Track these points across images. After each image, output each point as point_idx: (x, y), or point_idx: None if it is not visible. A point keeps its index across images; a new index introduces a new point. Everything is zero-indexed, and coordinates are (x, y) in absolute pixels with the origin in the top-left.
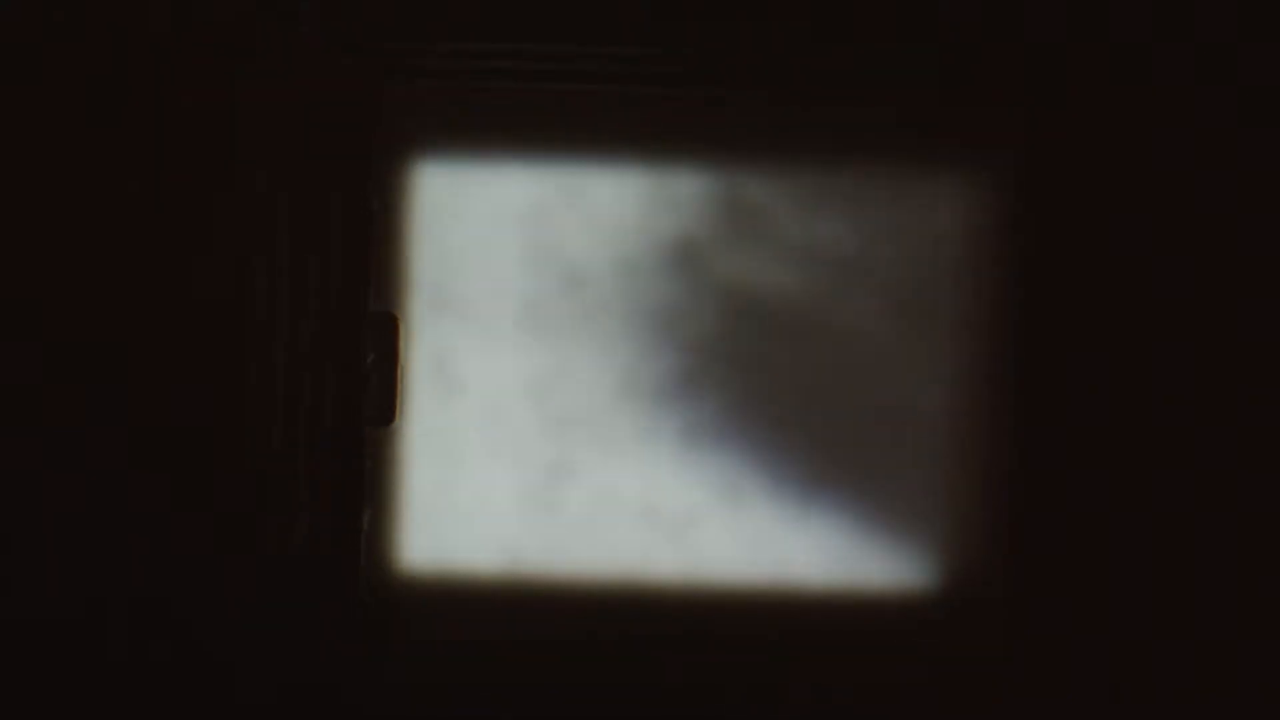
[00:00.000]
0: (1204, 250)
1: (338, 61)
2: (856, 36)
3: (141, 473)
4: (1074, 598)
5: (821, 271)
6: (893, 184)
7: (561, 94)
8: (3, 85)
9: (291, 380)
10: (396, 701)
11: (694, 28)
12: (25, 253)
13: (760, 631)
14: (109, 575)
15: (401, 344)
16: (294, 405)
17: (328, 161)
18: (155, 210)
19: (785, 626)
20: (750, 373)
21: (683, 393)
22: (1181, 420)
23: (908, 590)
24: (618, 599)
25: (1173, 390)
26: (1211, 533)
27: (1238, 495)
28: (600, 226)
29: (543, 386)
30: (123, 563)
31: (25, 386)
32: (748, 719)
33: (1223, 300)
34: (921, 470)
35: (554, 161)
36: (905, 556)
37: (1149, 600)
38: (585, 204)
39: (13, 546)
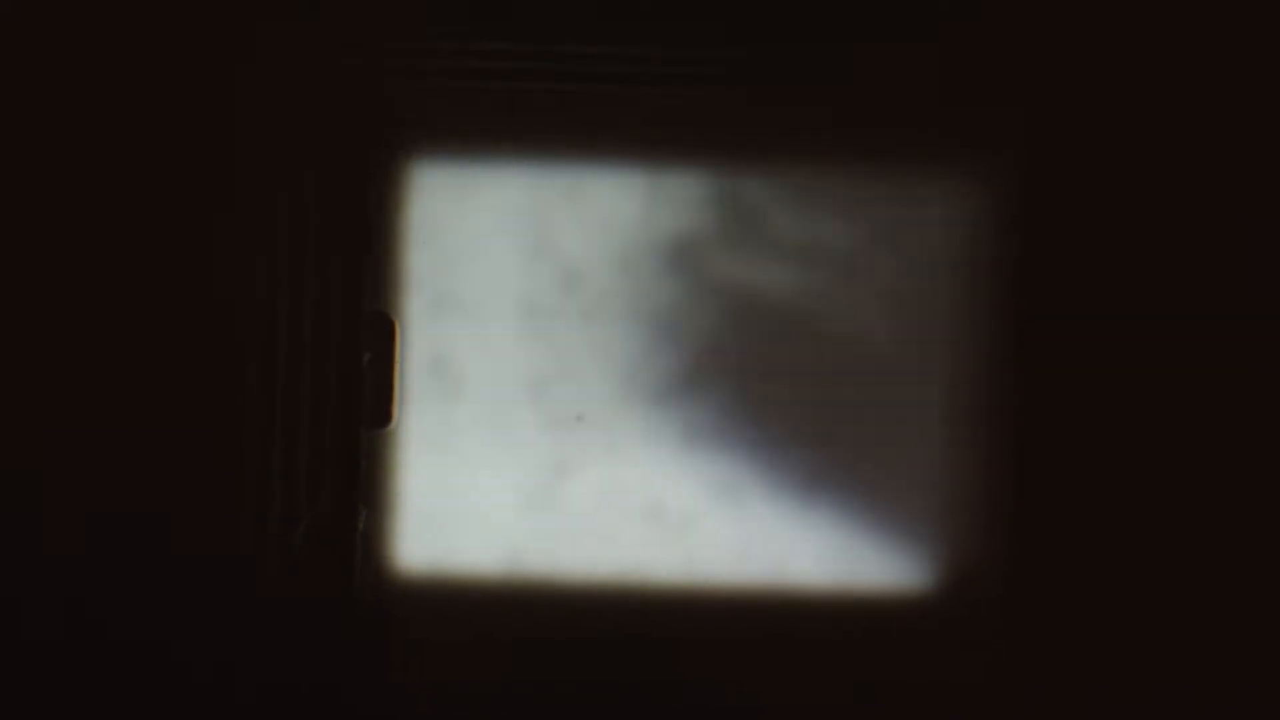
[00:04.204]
0: (1204, 250)
1: (337, 61)
2: (856, 36)
3: (140, 473)
4: (1073, 598)
5: (820, 271)
6: (892, 184)
7: (561, 94)
8: (2, 85)
9: (290, 381)
10: (396, 702)
11: (693, 28)
12: (23, 254)
13: (759, 630)
14: (106, 574)
15: (398, 345)
16: (292, 406)
17: (327, 161)
18: (154, 211)
19: (784, 625)
20: (750, 372)
21: (682, 392)
22: (1181, 420)
23: (906, 590)
24: (618, 598)
25: (1172, 390)
26: (1211, 532)
27: (1237, 495)
28: (599, 226)
29: (542, 386)
30: (121, 562)
31: (26, 387)
32: (746, 718)
33: (1223, 300)
34: (921, 470)
35: (553, 161)
36: (904, 556)
37: (1149, 600)
38: (584, 204)
39: (12, 545)
